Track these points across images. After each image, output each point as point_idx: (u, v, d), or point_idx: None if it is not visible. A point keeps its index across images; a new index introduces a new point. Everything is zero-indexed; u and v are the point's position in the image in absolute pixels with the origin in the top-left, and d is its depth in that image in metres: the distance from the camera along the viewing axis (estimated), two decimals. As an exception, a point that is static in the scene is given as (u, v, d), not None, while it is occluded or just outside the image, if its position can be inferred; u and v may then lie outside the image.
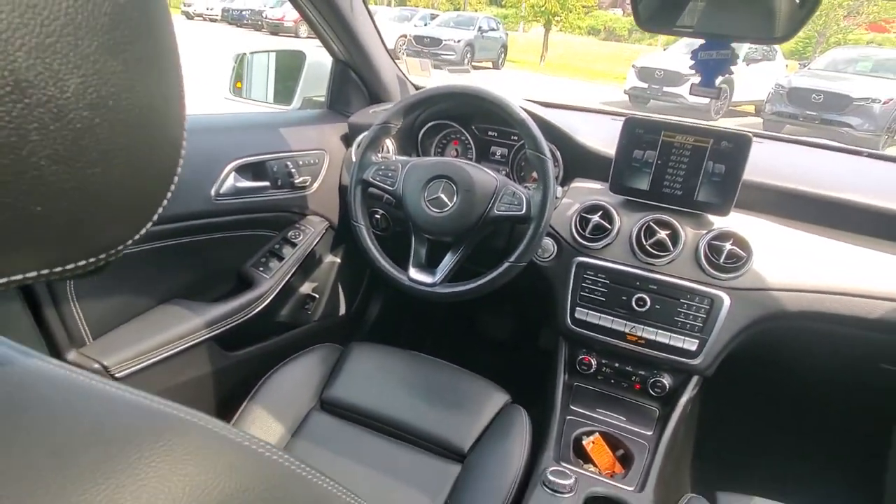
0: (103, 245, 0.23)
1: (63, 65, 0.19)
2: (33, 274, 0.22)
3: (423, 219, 1.04)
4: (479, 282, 1.03)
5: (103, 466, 0.23)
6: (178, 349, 1.02)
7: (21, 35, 0.17)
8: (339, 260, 1.45)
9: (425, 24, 13.40)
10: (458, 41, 11.97)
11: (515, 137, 1.29)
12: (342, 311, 1.49)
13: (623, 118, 1.07)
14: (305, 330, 1.37)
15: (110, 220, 0.23)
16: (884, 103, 7.25)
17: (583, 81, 12.29)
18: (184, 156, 0.26)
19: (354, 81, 1.36)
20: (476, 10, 21.88)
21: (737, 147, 0.99)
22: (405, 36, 12.31)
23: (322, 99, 1.43)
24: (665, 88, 8.56)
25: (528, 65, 14.57)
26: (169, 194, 0.26)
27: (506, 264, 1.01)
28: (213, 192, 1.05)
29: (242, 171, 1.11)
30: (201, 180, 1.04)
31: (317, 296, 1.41)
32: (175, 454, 0.26)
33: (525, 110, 1.02)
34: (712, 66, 0.87)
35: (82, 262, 0.23)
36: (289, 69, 1.46)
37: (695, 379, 1.08)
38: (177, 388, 1.06)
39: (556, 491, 0.88)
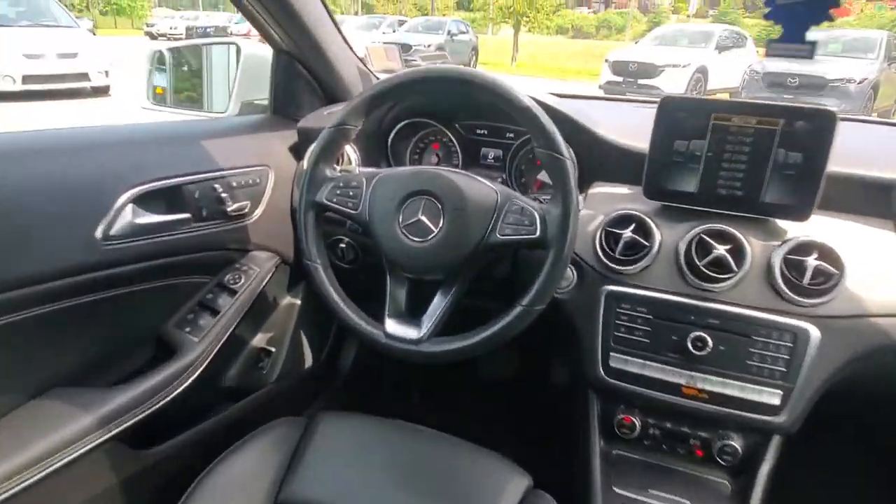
0: None
1: None
2: None
3: (400, 252, 0.76)
4: (483, 335, 0.74)
5: None
6: (66, 460, 0.72)
7: None
8: (298, 302, 1.16)
9: (394, 31, 13.18)
10: (429, 46, 11.77)
11: (511, 135, 1.02)
12: (307, 364, 1.20)
13: (656, 103, 0.81)
14: (258, 398, 1.07)
15: None
16: (858, 83, 7.24)
17: (556, 80, 12.15)
18: None
19: (304, 77, 1.08)
20: (444, 15, 21.79)
21: (818, 127, 0.73)
22: (374, 44, 12.09)
23: (266, 102, 1.15)
24: (640, 81, 8.46)
25: (500, 66, 14.39)
26: None
27: (518, 308, 0.73)
28: (98, 234, 0.75)
29: (145, 201, 0.81)
30: (80, 217, 0.74)
31: (273, 349, 1.12)
32: None
33: (528, 96, 0.75)
34: (800, 12, 0.61)
35: None
36: (222, 68, 1.17)
37: (776, 440, 0.81)
38: None
39: None
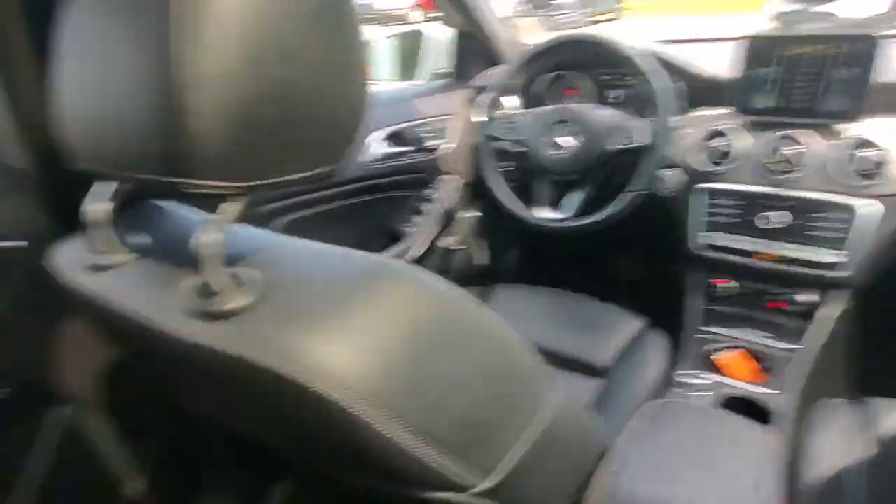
0: (330, 158, 0.41)
1: (310, 39, 0.35)
2: (303, 175, 0.39)
3: (549, 161, 1.15)
4: (605, 213, 1.12)
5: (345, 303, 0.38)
6: None
7: (287, 16, 0.33)
8: (475, 214, 1.61)
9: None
10: (572, -1, 11.53)
11: (630, 78, 1.33)
12: (484, 261, 1.66)
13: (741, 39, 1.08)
14: (451, 279, 1.55)
15: (332, 142, 0.40)
16: None
17: (714, 16, 11.16)
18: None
19: (475, 49, 1.49)
20: (586, -39, 20.73)
21: (862, 49, 0.96)
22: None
23: (443, 71, 1.59)
24: (815, 8, 7.53)
25: (649, 9, 13.54)
26: (357, 135, 0.42)
27: (627, 193, 1.09)
28: (367, 159, 1.26)
29: (388, 138, 1.30)
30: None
31: (457, 248, 1.59)
32: (398, 287, 0.40)
33: (637, 48, 1.08)
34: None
35: (326, 168, 0.40)
36: (409, 48, 1.64)
37: (840, 293, 1.07)
38: None
39: (693, 391, 0.95)
